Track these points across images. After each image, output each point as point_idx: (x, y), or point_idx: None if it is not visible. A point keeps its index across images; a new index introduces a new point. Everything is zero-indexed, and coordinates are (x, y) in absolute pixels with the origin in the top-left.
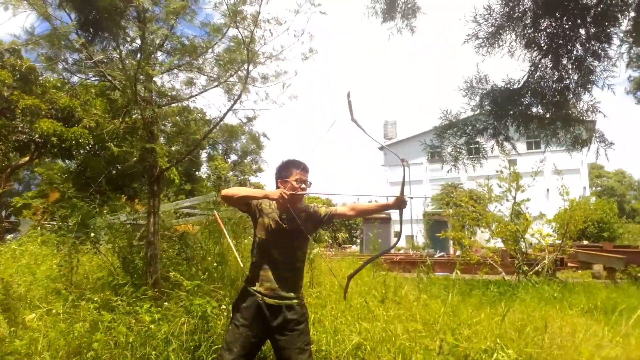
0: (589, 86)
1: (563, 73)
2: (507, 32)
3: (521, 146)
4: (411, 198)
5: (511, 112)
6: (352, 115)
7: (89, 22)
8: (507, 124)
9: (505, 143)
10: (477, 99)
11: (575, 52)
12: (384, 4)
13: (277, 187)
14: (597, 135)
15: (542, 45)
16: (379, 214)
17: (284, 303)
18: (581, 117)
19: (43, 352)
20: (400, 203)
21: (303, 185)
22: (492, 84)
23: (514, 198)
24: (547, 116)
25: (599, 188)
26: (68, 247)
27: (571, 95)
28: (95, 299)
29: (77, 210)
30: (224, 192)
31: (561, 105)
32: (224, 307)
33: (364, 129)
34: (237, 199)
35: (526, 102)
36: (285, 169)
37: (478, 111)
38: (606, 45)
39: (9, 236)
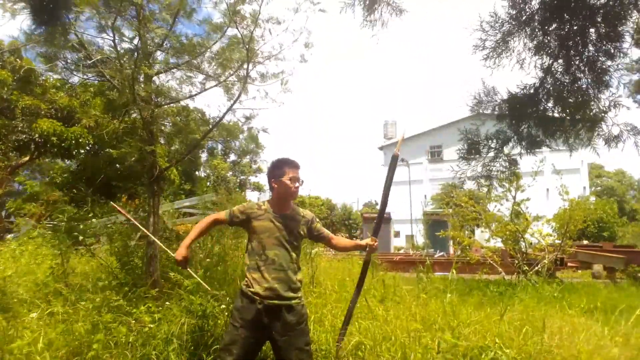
0: (604, 84)
1: (577, 74)
2: (516, 38)
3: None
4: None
5: (532, 116)
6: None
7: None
8: (529, 129)
9: (534, 147)
10: (489, 110)
11: (587, 53)
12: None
13: (272, 187)
14: (628, 129)
15: (554, 47)
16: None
17: (283, 303)
18: (605, 114)
19: (43, 352)
20: (371, 249)
21: (297, 184)
22: (503, 94)
23: (514, 198)
24: (569, 118)
25: (599, 188)
26: (60, 249)
27: (591, 94)
28: (97, 299)
29: (65, 215)
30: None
31: (581, 105)
32: (224, 306)
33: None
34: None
35: (543, 106)
36: (279, 168)
37: (499, 123)
38: (618, 44)
39: (9, 236)
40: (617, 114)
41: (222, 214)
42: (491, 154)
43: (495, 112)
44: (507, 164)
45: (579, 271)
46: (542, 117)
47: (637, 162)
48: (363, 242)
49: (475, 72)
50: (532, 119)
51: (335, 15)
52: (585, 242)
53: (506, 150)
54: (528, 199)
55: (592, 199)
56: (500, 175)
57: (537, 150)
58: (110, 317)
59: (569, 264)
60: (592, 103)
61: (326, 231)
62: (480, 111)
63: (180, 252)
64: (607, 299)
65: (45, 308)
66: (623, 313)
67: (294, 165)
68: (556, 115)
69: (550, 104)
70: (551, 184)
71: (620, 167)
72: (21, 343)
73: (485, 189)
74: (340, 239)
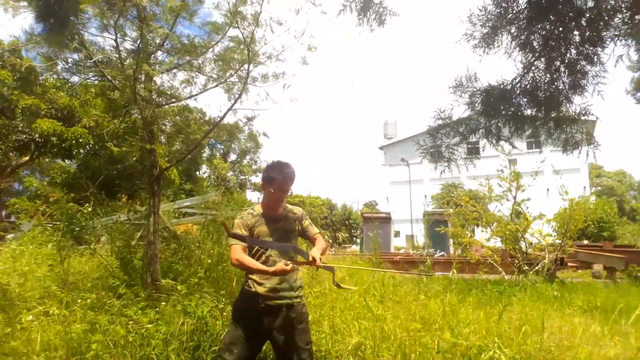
0: (582, 89)
1: (556, 75)
2: (502, 33)
3: (521, 145)
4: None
5: (503, 112)
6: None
7: (47, 14)
8: (499, 124)
9: (500, 142)
10: (467, 97)
11: (568, 55)
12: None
13: (263, 188)
14: (587, 137)
15: (536, 47)
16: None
17: (284, 303)
18: (574, 119)
19: (40, 353)
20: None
21: (282, 196)
22: (483, 83)
23: (514, 197)
24: (539, 117)
25: (599, 188)
26: (58, 248)
27: (563, 98)
28: (90, 299)
29: (66, 214)
30: (234, 262)
31: (553, 106)
32: (222, 306)
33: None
34: (244, 270)
35: (518, 102)
36: (270, 175)
37: (472, 110)
38: (599, 49)
39: (9, 236)
40: (586, 119)
41: (240, 245)
42: (457, 138)
43: (477, 100)
44: (468, 151)
45: (579, 271)
46: (514, 114)
47: (637, 162)
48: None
49: (465, 71)
50: (503, 115)
51: (335, 14)
52: (585, 242)
53: (473, 139)
54: (528, 199)
55: (592, 198)
56: (458, 161)
57: (500, 145)
58: (107, 317)
59: (569, 264)
60: (564, 107)
61: (313, 230)
62: (460, 96)
63: (280, 266)
64: (607, 299)
65: (43, 308)
66: (622, 312)
67: (286, 176)
68: (528, 113)
69: (523, 101)
70: (551, 183)
71: (620, 167)
72: (18, 343)
73: (442, 170)
74: (319, 244)
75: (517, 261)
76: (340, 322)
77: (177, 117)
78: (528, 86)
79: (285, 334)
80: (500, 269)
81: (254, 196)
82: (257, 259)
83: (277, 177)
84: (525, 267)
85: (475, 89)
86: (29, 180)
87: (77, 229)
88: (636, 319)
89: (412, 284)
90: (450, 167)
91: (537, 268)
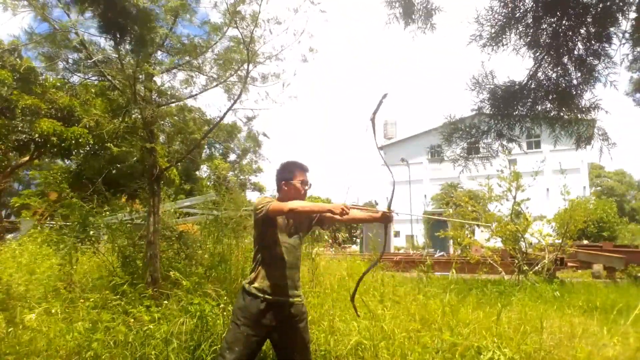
0: (591, 82)
1: (564, 72)
2: (510, 32)
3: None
4: (396, 213)
5: (514, 112)
6: (374, 114)
7: (113, 26)
8: (511, 123)
9: (509, 143)
10: (484, 94)
11: (576, 52)
12: (402, 9)
13: (280, 188)
14: (599, 133)
15: (543, 44)
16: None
17: (284, 301)
18: (583, 115)
19: (42, 352)
20: (385, 218)
21: (306, 187)
22: (495, 83)
23: (514, 198)
24: (550, 114)
25: (599, 188)
26: (68, 247)
27: (573, 93)
28: (92, 298)
29: (75, 210)
30: (292, 206)
31: (563, 103)
32: (223, 306)
33: (374, 131)
34: (305, 212)
35: (529, 101)
36: (289, 171)
37: (482, 111)
38: (606, 45)
39: (9, 236)
40: (596, 115)
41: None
42: (468, 141)
43: (489, 101)
44: (486, 152)
45: (579, 271)
46: (529, 110)
47: (637, 162)
48: (379, 215)
49: (480, 70)
50: (516, 115)
51: (335, 14)
52: (585, 242)
53: (485, 141)
54: (528, 199)
55: (592, 198)
56: (477, 161)
57: (512, 147)
58: (108, 316)
59: (569, 264)
60: (574, 102)
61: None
62: (479, 93)
63: (339, 205)
64: (607, 299)
65: (45, 307)
66: (622, 312)
67: (303, 169)
68: (540, 109)
69: (537, 97)
70: (551, 183)
71: (620, 167)
72: (20, 342)
73: (461, 169)
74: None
75: (517, 261)
76: (339, 322)
77: (176, 117)
78: (540, 82)
79: (286, 333)
80: (500, 269)
81: (254, 196)
82: (271, 251)
83: (297, 171)
84: (525, 267)
85: (492, 86)
86: (44, 174)
87: (89, 227)
88: (635, 319)
89: (412, 284)
90: (469, 168)
91: (537, 268)
